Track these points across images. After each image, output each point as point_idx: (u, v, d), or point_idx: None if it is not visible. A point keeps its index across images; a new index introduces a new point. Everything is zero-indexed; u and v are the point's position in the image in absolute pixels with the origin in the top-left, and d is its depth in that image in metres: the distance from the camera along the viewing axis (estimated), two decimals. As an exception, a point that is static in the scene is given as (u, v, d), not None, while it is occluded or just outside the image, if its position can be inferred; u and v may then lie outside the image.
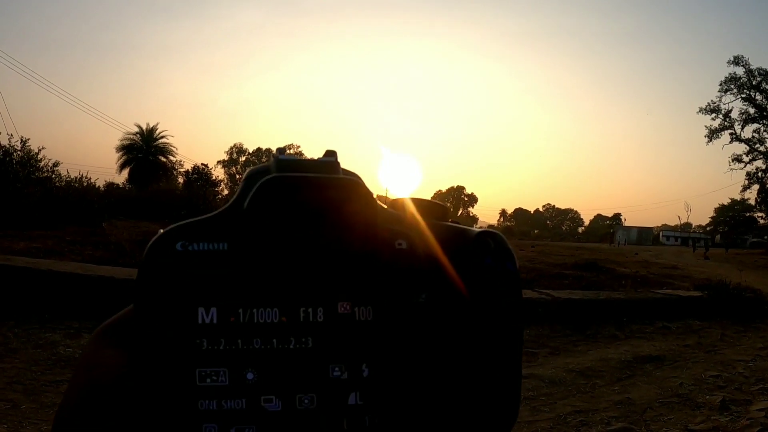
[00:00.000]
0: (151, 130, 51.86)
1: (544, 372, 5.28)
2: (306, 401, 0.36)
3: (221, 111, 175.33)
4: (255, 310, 0.36)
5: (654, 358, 5.97)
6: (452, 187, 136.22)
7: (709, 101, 46.96)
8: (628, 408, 4.53)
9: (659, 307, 8.39)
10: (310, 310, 0.37)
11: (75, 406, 0.35)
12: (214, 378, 0.35)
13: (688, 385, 5.11)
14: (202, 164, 56.70)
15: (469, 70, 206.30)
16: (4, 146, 20.61)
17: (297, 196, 0.38)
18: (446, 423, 0.39)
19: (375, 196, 0.40)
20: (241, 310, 0.36)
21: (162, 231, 0.37)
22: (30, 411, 3.82)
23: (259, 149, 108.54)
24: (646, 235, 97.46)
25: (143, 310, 0.35)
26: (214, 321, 0.35)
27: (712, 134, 47.38)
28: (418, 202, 0.46)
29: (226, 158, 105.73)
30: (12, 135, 24.56)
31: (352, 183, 0.39)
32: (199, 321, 0.35)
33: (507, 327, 0.41)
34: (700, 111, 47.12)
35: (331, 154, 0.41)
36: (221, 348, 0.35)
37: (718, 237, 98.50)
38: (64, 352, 5.10)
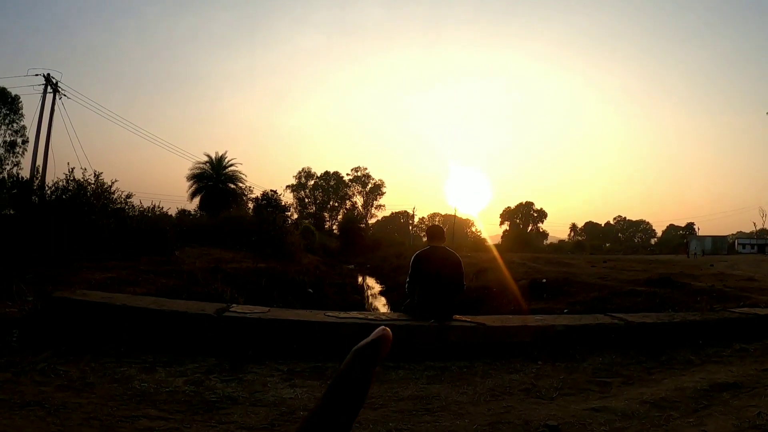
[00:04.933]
0: (220, 159, 52.92)
1: (617, 404, 5.17)
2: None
3: (288, 135, 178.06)
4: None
5: (731, 385, 5.78)
6: (521, 203, 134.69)
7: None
8: (704, 441, 4.41)
9: (736, 327, 8.13)
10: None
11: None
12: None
13: (767, 414, 4.93)
14: (271, 190, 57.88)
15: (534, 84, 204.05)
16: (78, 180, 21.35)
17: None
18: None
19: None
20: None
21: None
22: (107, 448, 3.91)
23: (327, 173, 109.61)
24: (720, 244, 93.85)
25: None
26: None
27: (785, 135, 45.51)
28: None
29: (294, 182, 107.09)
30: (86, 169, 25.46)
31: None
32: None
33: None
34: (770, 112, 45.40)
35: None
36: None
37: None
38: (140, 387, 5.18)
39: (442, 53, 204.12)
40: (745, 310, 9.46)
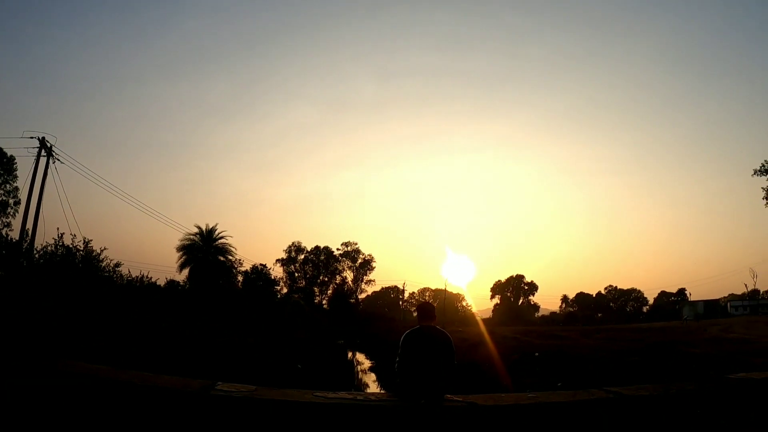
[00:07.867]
0: (211, 231, 52.96)
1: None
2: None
3: (279, 208, 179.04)
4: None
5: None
6: (511, 277, 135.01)
7: (763, 161, 45.84)
8: None
9: (733, 394, 7.99)
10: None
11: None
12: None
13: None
14: (261, 265, 57.92)
15: (520, 157, 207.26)
16: (68, 246, 21.23)
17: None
18: None
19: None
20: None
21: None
22: None
23: (317, 247, 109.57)
24: (713, 308, 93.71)
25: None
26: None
27: (770, 195, 45.87)
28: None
29: (284, 256, 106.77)
30: (75, 235, 25.29)
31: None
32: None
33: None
34: (754, 173, 45.93)
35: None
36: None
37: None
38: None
39: (432, 127, 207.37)
40: (742, 375, 9.33)
